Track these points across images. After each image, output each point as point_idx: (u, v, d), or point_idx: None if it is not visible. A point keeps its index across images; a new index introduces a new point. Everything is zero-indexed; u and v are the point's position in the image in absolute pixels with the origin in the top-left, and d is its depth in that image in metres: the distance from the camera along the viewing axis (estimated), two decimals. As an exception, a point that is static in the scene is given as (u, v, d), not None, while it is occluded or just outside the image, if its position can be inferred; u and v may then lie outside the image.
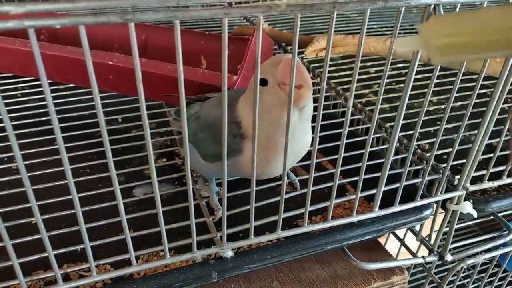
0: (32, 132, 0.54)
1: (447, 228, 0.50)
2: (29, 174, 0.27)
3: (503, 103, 0.40)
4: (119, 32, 0.69)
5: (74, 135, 0.53)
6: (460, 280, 0.69)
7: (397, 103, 0.38)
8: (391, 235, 0.63)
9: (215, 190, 0.47)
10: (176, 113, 0.51)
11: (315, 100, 0.38)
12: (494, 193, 0.52)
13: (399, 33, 0.32)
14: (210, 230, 0.41)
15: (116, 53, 0.59)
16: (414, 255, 0.56)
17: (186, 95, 0.28)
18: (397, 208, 0.43)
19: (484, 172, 0.48)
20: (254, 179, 0.34)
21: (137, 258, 0.36)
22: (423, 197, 0.45)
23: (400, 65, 0.75)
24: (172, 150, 0.56)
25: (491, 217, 0.57)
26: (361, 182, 0.40)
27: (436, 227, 0.51)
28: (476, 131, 0.42)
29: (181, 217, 0.40)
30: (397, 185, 0.43)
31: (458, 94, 0.42)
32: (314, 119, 0.35)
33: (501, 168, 0.49)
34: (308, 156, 0.42)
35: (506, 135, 0.44)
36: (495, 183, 0.49)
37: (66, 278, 0.39)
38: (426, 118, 0.62)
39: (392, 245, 0.68)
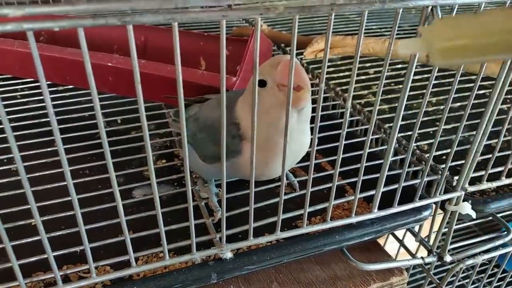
0: (32, 134, 0.54)
1: (446, 229, 0.51)
2: (28, 176, 0.27)
3: (502, 104, 0.40)
4: (118, 33, 0.69)
5: (74, 136, 0.53)
6: (459, 281, 0.69)
7: (396, 104, 0.38)
8: (390, 236, 0.63)
9: (214, 191, 0.47)
10: (175, 115, 0.51)
11: (314, 101, 0.38)
12: (493, 194, 0.52)
13: (397, 34, 0.32)
14: (209, 231, 0.41)
15: (115, 55, 0.59)
16: (413, 256, 0.56)
17: (185, 96, 0.28)
18: (396, 209, 0.44)
19: (483, 173, 0.48)
20: (253, 180, 0.34)
21: (136, 259, 0.36)
22: (422, 198, 0.45)
23: (399, 66, 0.75)
24: (172, 151, 0.56)
25: (490, 217, 0.57)
26: (360, 183, 0.40)
27: (435, 228, 0.51)
28: (474, 132, 0.42)
29: (180, 218, 0.40)
30: (396, 186, 0.43)
31: (456, 95, 0.42)
32: (313, 120, 0.36)
33: (499, 169, 0.49)
34: (307, 157, 0.42)
35: (505, 136, 0.44)
36: (494, 184, 0.49)
37: (66, 279, 0.39)
38: (425, 119, 0.62)
39: (391, 246, 0.68)
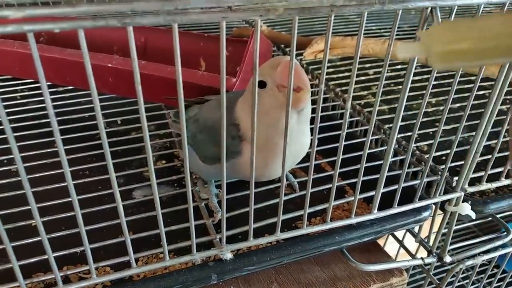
0: (32, 134, 0.54)
1: (446, 230, 0.51)
2: (28, 177, 0.27)
3: (501, 105, 0.40)
4: (118, 34, 0.70)
5: (74, 137, 0.53)
6: (459, 281, 0.69)
7: (396, 105, 0.38)
8: (390, 237, 0.63)
9: (214, 192, 0.47)
10: (175, 115, 0.51)
11: (314, 102, 0.38)
12: (492, 195, 0.52)
13: (397, 35, 0.32)
14: (210, 232, 0.42)
15: (115, 55, 0.59)
16: (413, 256, 0.56)
17: (185, 97, 0.28)
18: (396, 209, 0.44)
19: (482, 173, 0.48)
20: (253, 181, 0.34)
21: (136, 260, 0.36)
22: (421, 198, 0.45)
23: (399, 66, 0.75)
24: (171, 152, 0.56)
25: (490, 218, 0.57)
26: (360, 183, 0.40)
27: (435, 229, 0.51)
28: (474, 133, 0.42)
29: (180, 219, 0.40)
30: (395, 186, 0.43)
31: (456, 96, 0.42)
32: (312, 121, 0.36)
33: (499, 169, 0.49)
34: (307, 157, 0.42)
35: (505, 137, 0.44)
36: (494, 185, 0.49)
37: (66, 280, 0.39)
38: (424, 119, 0.62)
39: (391, 246, 0.68)
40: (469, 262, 0.51)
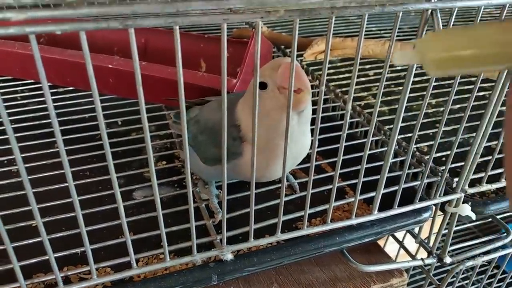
0: (32, 135, 0.54)
1: (446, 230, 0.51)
2: (29, 177, 0.27)
3: (501, 106, 0.40)
4: (119, 35, 0.70)
5: (74, 138, 0.53)
6: (459, 282, 0.69)
7: (396, 106, 0.38)
8: (390, 238, 0.63)
9: (215, 193, 0.47)
10: (176, 116, 0.51)
11: (314, 103, 0.38)
12: (492, 196, 0.52)
13: (397, 36, 0.32)
14: (210, 233, 0.42)
15: (116, 56, 0.59)
16: (413, 257, 0.56)
17: (185, 98, 0.28)
18: (396, 210, 0.44)
19: (482, 174, 0.48)
20: (254, 182, 0.34)
21: (137, 261, 0.36)
22: (422, 199, 0.45)
23: (399, 68, 0.75)
24: (172, 153, 0.56)
25: (490, 219, 0.57)
26: (360, 184, 0.40)
27: (435, 230, 0.51)
28: (474, 134, 0.42)
29: (181, 220, 0.40)
30: (396, 187, 0.43)
31: (456, 97, 0.42)
32: (313, 122, 0.36)
33: (499, 170, 0.49)
34: (307, 158, 0.42)
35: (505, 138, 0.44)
36: (494, 186, 0.49)
37: (67, 281, 0.39)
38: (424, 120, 0.62)
39: (391, 247, 0.68)
40: (469, 263, 0.51)
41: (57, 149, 0.28)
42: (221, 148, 0.31)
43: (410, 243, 0.59)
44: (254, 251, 0.42)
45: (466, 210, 0.47)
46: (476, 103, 0.41)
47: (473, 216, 0.48)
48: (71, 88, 0.65)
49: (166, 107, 0.62)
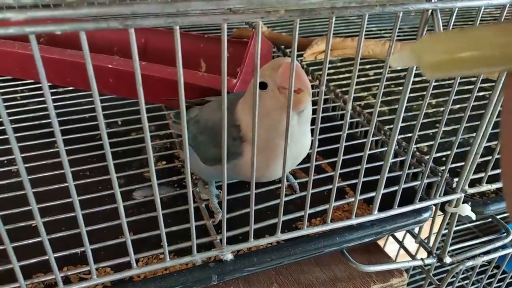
0: (32, 135, 0.54)
1: (446, 231, 0.51)
2: (29, 177, 0.27)
3: (501, 106, 0.40)
4: (119, 35, 0.70)
5: (74, 138, 0.53)
6: (459, 282, 0.69)
7: (396, 106, 0.38)
8: (390, 238, 0.63)
9: (214, 193, 0.47)
10: (176, 116, 0.51)
11: (314, 103, 0.38)
12: (492, 196, 0.52)
13: (398, 36, 0.32)
14: (210, 233, 0.42)
15: (116, 56, 0.59)
16: (413, 257, 0.56)
17: (185, 98, 0.28)
18: (396, 210, 0.44)
19: (482, 174, 0.48)
20: (254, 182, 0.34)
21: (137, 261, 0.36)
22: (422, 199, 0.45)
23: (399, 67, 0.75)
24: (172, 153, 0.56)
25: (490, 219, 0.57)
26: (360, 184, 0.40)
27: (435, 230, 0.51)
28: (474, 134, 0.42)
29: (181, 220, 0.40)
30: (396, 187, 0.43)
31: (456, 97, 0.42)
32: (313, 122, 0.36)
33: (499, 170, 0.49)
34: (307, 158, 0.42)
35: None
36: (494, 186, 0.49)
37: (67, 281, 0.39)
38: (424, 120, 0.62)
39: (391, 247, 0.68)
40: (469, 263, 0.51)
41: (57, 149, 0.28)
42: (221, 148, 0.31)
43: (410, 243, 0.59)
44: (254, 251, 0.42)
45: (466, 210, 0.47)
46: (476, 103, 0.41)
47: (473, 216, 0.48)
48: (71, 88, 0.65)
49: (166, 107, 0.62)
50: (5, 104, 0.59)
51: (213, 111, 0.44)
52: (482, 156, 0.44)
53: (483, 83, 0.49)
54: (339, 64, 0.76)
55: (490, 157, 0.47)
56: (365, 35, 0.36)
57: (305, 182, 0.39)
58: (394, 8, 0.28)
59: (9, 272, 0.32)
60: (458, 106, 0.65)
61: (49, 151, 0.50)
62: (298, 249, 0.41)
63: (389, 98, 0.66)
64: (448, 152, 0.44)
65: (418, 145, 0.57)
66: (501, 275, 0.73)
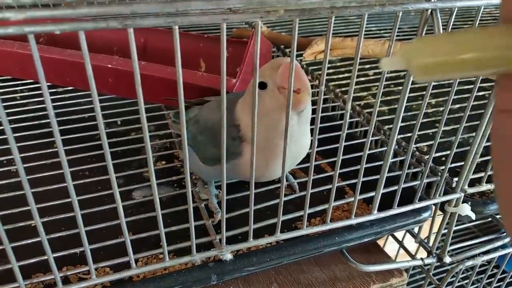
0: (31, 135, 0.54)
1: (446, 230, 0.51)
2: (28, 177, 0.27)
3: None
4: (118, 35, 0.70)
5: (73, 137, 0.53)
6: (459, 282, 0.69)
7: (396, 106, 0.38)
8: (390, 237, 0.63)
9: (214, 193, 0.47)
10: (175, 116, 0.51)
11: (314, 103, 0.38)
12: (492, 195, 0.52)
13: (397, 36, 0.32)
14: (209, 232, 0.42)
15: (115, 56, 0.59)
16: (413, 257, 0.56)
17: (185, 98, 0.28)
18: (395, 210, 0.44)
19: (482, 174, 0.48)
20: (253, 181, 0.34)
21: (136, 260, 0.36)
22: (421, 199, 0.45)
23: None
24: (171, 153, 0.56)
25: (490, 219, 0.57)
26: (360, 184, 0.40)
27: (435, 229, 0.51)
28: (474, 134, 0.42)
29: (180, 219, 0.40)
30: (395, 187, 0.43)
31: (456, 97, 0.42)
32: (313, 122, 0.36)
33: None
34: (307, 158, 0.42)
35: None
36: (493, 185, 0.49)
37: (66, 281, 0.39)
38: (424, 120, 0.62)
39: (391, 247, 0.68)
40: (469, 263, 0.51)
41: (56, 149, 0.28)
42: (221, 148, 0.31)
43: (410, 243, 0.59)
44: (253, 251, 0.42)
45: (465, 209, 0.47)
46: (475, 102, 0.41)
47: (473, 216, 0.48)
48: (70, 88, 0.64)
49: (165, 107, 0.61)
50: (5, 104, 0.60)
51: (213, 111, 0.44)
52: (481, 156, 0.44)
53: (483, 83, 0.49)
54: (338, 64, 0.76)
55: (489, 157, 0.47)
56: (365, 35, 0.36)
57: (305, 182, 0.39)
58: (394, 8, 0.28)
59: (8, 272, 0.32)
60: (458, 105, 0.65)
61: (48, 151, 0.50)
62: (297, 249, 0.41)
63: (388, 97, 0.66)
64: (448, 152, 0.44)
65: (417, 145, 0.57)
66: (501, 274, 0.73)
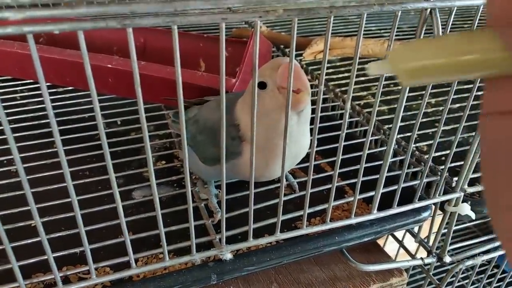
0: (31, 135, 0.54)
1: (446, 230, 0.51)
2: (28, 177, 0.27)
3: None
4: (118, 35, 0.70)
5: (73, 137, 0.53)
6: (459, 281, 0.69)
7: (395, 105, 0.38)
8: (390, 237, 0.63)
9: (214, 193, 0.47)
10: (175, 116, 0.51)
11: (313, 103, 0.38)
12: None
13: (397, 35, 0.32)
14: (209, 232, 0.42)
15: (115, 56, 0.59)
16: (412, 256, 0.56)
17: (185, 98, 0.28)
18: (395, 210, 0.44)
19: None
20: (253, 181, 0.34)
21: (136, 260, 0.36)
22: (421, 199, 0.45)
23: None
24: (171, 153, 0.56)
25: (490, 218, 0.57)
26: (360, 184, 0.40)
27: (435, 229, 0.51)
28: (474, 133, 0.42)
29: (180, 219, 0.40)
30: (395, 187, 0.43)
31: (456, 96, 0.42)
32: (312, 121, 0.36)
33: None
34: (306, 158, 0.42)
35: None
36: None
37: (66, 280, 0.39)
38: (424, 120, 0.62)
39: (390, 246, 0.68)
40: (469, 262, 0.51)
41: (56, 149, 0.28)
42: (220, 147, 0.31)
43: (410, 243, 0.58)
44: (253, 250, 0.42)
45: (465, 209, 0.47)
46: (475, 102, 0.41)
47: (473, 215, 0.48)
48: (70, 88, 0.65)
49: (165, 106, 0.62)
50: (5, 104, 0.60)
51: (212, 110, 0.44)
52: (481, 155, 0.44)
53: (483, 82, 0.49)
54: (338, 64, 0.76)
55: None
56: (364, 34, 0.36)
57: (304, 181, 0.39)
58: (393, 7, 0.28)
59: (9, 272, 0.32)
60: (457, 105, 0.65)
61: (48, 151, 0.50)
62: (297, 249, 0.41)
63: (388, 97, 0.66)
64: (448, 151, 0.44)
65: (417, 144, 0.57)
66: (501, 274, 0.73)
